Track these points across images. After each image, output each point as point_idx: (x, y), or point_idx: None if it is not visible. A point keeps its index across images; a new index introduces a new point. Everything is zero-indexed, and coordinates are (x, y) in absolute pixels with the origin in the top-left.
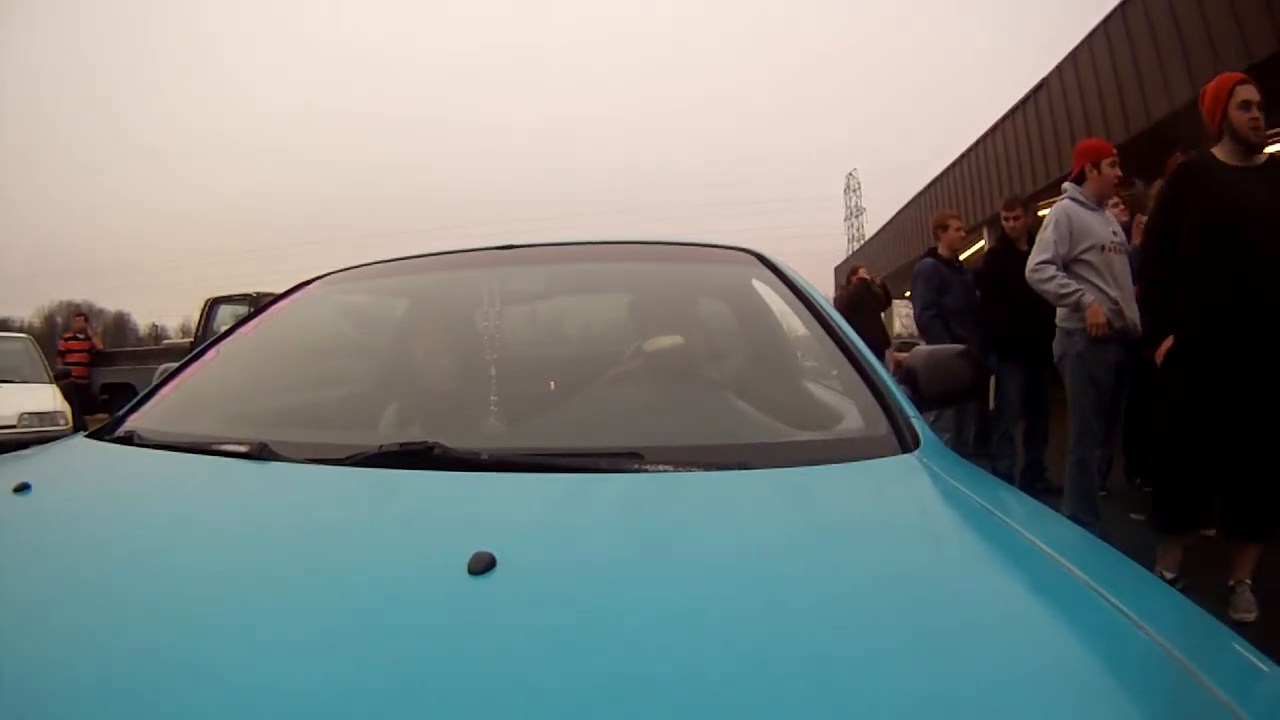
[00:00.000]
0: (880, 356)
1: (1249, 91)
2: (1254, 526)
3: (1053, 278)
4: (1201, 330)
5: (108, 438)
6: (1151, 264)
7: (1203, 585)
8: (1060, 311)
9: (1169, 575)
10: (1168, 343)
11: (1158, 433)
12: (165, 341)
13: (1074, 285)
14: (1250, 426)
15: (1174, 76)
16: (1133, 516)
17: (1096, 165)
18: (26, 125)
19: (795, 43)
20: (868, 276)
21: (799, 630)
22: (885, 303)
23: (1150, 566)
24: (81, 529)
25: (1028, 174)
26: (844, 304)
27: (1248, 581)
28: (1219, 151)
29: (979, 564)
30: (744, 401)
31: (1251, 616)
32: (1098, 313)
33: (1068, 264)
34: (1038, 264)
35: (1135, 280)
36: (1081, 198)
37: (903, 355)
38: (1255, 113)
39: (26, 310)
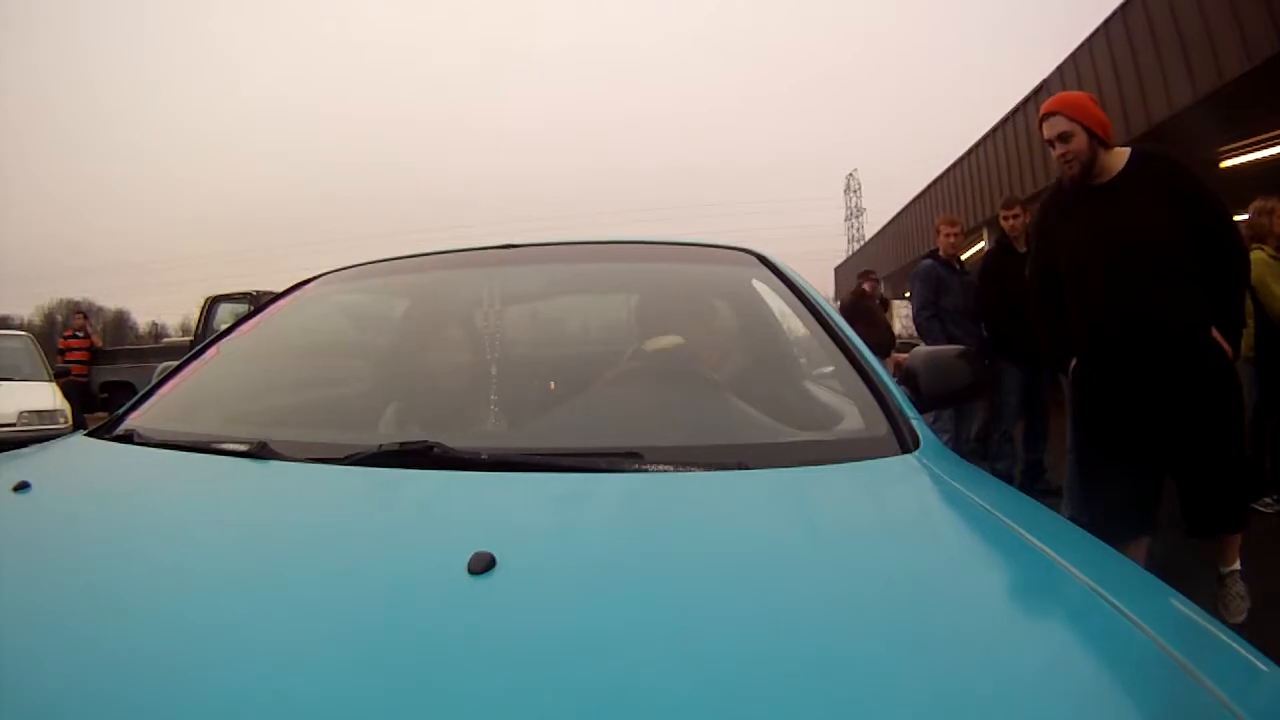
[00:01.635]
0: (886, 356)
1: (1049, 127)
2: (1219, 521)
3: None
4: (1090, 358)
5: (107, 436)
6: (1034, 294)
7: (1203, 585)
8: None
9: None
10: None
11: (1078, 456)
12: (165, 340)
13: None
14: (1174, 433)
15: (1174, 77)
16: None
17: None
18: (26, 125)
19: (795, 44)
20: (868, 289)
21: (798, 631)
22: (883, 306)
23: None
24: (81, 528)
25: (1028, 175)
26: (846, 311)
27: (1238, 568)
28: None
29: (979, 564)
30: (744, 401)
31: (1242, 617)
32: None
33: None
34: None
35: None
36: None
37: (902, 356)
38: (1060, 149)
39: (26, 308)
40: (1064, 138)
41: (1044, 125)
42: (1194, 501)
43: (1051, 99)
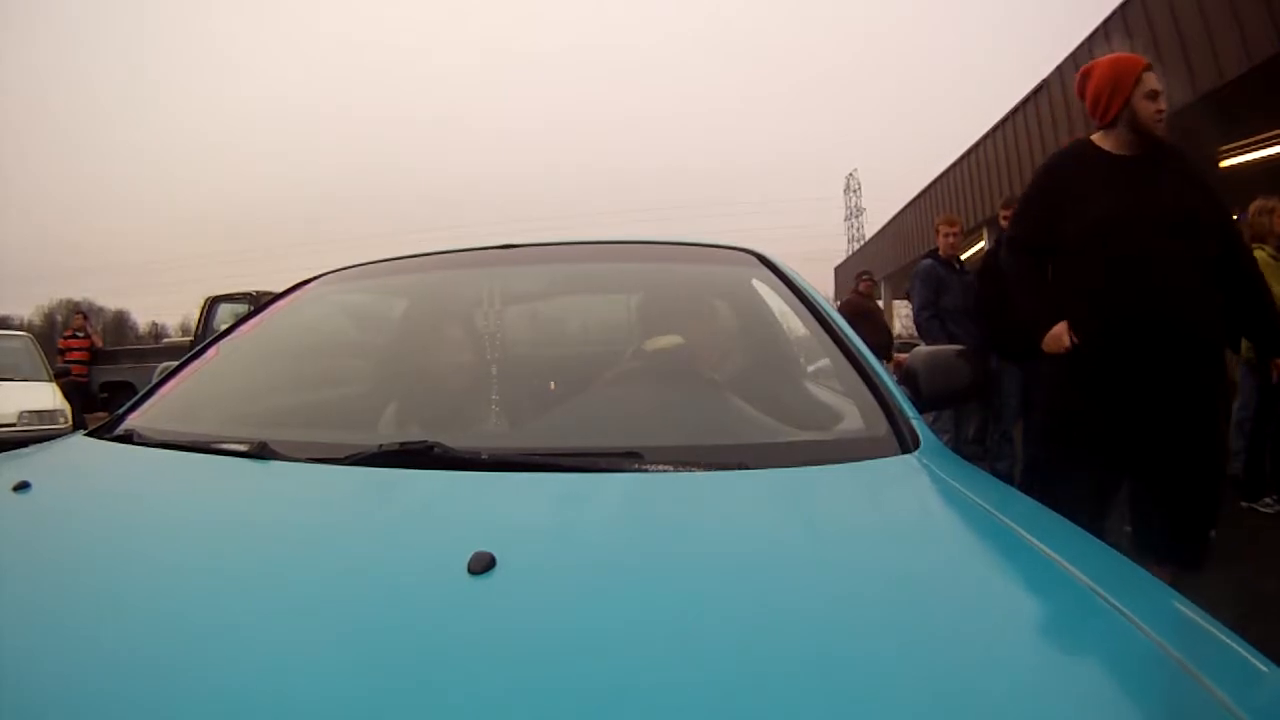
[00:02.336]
0: (886, 358)
1: (1155, 80)
2: (1177, 551)
3: None
4: (1095, 340)
5: (107, 436)
6: (1020, 257)
7: (1202, 585)
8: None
9: None
10: (1059, 331)
11: (1035, 451)
12: (165, 340)
13: None
14: (1158, 447)
15: (1174, 76)
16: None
17: None
18: (27, 124)
19: (795, 44)
20: (865, 289)
21: (799, 631)
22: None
23: None
24: (81, 528)
25: (1028, 174)
26: (848, 310)
27: None
28: (1103, 140)
29: (979, 565)
30: (744, 401)
31: None
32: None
33: None
34: None
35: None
36: None
37: (903, 356)
38: (1162, 104)
39: (26, 308)
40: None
41: (1146, 76)
42: (1156, 521)
43: (1135, 55)
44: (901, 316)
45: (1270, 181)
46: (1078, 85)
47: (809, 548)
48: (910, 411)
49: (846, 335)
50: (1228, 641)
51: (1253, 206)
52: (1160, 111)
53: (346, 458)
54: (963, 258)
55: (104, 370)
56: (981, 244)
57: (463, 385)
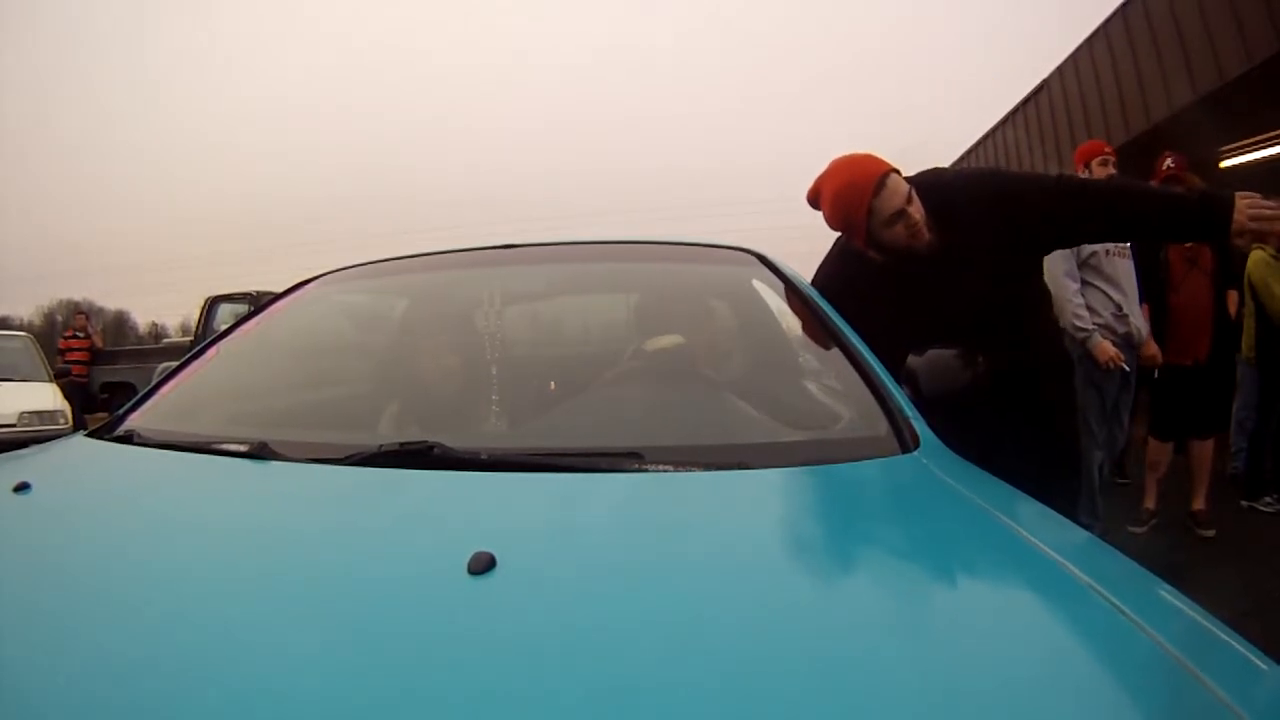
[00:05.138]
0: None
1: (888, 201)
2: None
3: (1076, 294)
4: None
5: (107, 437)
6: None
7: (1198, 583)
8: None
9: None
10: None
11: None
12: (165, 340)
13: (1087, 320)
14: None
15: (1174, 77)
16: (1130, 529)
17: (1088, 166)
18: (27, 124)
19: (796, 44)
20: None
21: (798, 630)
22: None
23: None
24: (81, 528)
25: None
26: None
27: None
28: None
29: (978, 564)
30: (744, 401)
31: None
32: (1105, 349)
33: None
34: (1062, 275)
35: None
36: None
37: None
38: (913, 215)
39: (26, 309)
40: (909, 198)
41: (878, 204)
42: None
43: (865, 171)
44: None
45: (1270, 181)
46: (810, 198)
47: (809, 548)
48: (910, 411)
49: (846, 335)
50: (1228, 640)
51: None
52: (912, 226)
53: (346, 458)
54: None
55: (104, 370)
56: None
57: (463, 385)
